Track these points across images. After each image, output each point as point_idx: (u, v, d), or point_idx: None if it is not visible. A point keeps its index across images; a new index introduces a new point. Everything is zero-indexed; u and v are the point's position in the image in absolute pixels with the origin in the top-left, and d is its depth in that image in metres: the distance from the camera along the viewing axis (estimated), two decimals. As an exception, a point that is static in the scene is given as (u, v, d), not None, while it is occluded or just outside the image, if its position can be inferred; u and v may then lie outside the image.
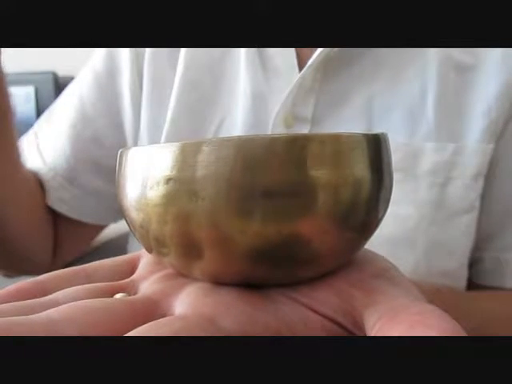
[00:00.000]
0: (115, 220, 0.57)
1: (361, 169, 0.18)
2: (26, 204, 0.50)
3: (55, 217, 0.54)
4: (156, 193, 0.17)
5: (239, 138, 0.17)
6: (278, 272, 0.18)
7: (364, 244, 0.20)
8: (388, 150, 0.20)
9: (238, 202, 0.17)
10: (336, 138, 0.18)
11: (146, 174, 0.18)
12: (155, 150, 0.18)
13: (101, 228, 0.58)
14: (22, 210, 0.49)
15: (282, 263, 0.18)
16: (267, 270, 0.18)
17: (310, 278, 0.19)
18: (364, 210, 0.18)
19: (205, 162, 0.17)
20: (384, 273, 0.20)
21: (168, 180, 0.17)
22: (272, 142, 0.17)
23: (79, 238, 0.57)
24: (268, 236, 0.17)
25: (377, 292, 0.18)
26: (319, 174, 0.17)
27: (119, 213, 0.56)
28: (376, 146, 0.19)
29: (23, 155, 0.49)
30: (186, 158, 0.17)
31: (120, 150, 0.20)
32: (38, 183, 0.52)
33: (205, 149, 0.17)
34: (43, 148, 0.53)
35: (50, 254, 0.54)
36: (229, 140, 0.17)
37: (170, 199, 0.17)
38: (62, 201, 0.52)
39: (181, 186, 0.17)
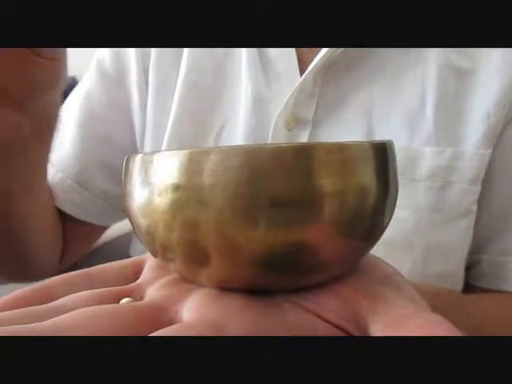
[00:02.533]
0: (121, 219, 0.57)
1: (367, 177, 0.18)
2: (45, 214, 0.49)
3: (63, 219, 0.53)
4: (164, 200, 0.18)
5: (247, 146, 0.17)
6: (284, 279, 0.19)
7: (369, 250, 0.21)
8: (394, 158, 0.20)
9: (246, 210, 0.17)
10: (343, 147, 0.18)
11: (154, 180, 0.18)
12: (164, 156, 0.18)
13: (106, 228, 0.58)
14: (42, 221, 0.48)
15: (288, 270, 0.18)
16: (273, 276, 0.18)
17: (315, 284, 0.19)
18: (370, 218, 0.19)
19: (213, 170, 0.17)
20: (389, 279, 0.20)
21: (177, 187, 0.17)
22: (280, 151, 0.17)
23: (86, 238, 0.57)
24: (275, 244, 0.17)
25: (382, 299, 0.18)
26: (326, 182, 0.17)
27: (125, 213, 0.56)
28: (382, 154, 0.19)
29: None
30: (195, 165, 0.17)
31: (126, 156, 0.20)
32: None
33: (214, 157, 0.17)
34: None
35: (58, 257, 0.53)
36: (237, 149, 0.17)
37: (178, 206, 0.17)
38: (72, 203, 0.52)
39: (189, 194, 0.17)
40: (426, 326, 0.16)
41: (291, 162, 0.17)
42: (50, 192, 0.50)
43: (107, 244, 0.61)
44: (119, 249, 0.59)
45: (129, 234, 0.58)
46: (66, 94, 0.57)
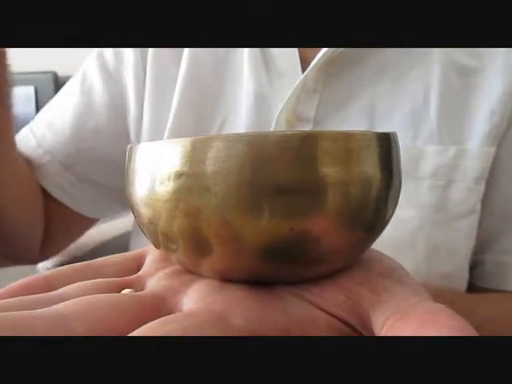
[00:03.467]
0: (114, 213, 0.57)
1: (371, 167, 0.18)
2: (18, 180, 0.49)
3: (48, 205, 0.53)
4: (167, 188, 0.17)
5: (252, 134, 0.17)
6: (287, 269, 0.18)
7: (372, 243, 0.20)
8: (398, 149, 0.20)
9: (250, 198, 0.17)
10: (348, 136, 0.18)
11: (157, 169, 0.18)
12: (166, 145, 0.18)
13: (94, 221, 0.58)
14: (15, 187, 0.48)
15: (291, 261, 0.18)
16: (276, 267, 0.18)
17: (318, 276, 0.19)
18: (373, 209, 0.18)
19: (217, 157, 0.16)
20: (391, 272, 0.20)
21: (180, 175, 0.17)
22: (285, 139, 0.17)
23: (71, 227, 0.57)
24: (278, 233, 0.17)
25: (384, 291, 0.18)
26: (330, 171, 0.17)
27: (121, 207, 0.56)
28: (386, 145, 0.19)
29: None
30: (199, 153, 0.17)
31: (129, 146, 0.20)
32: (25, 162, 0.52)
33: (218, 144, 0.17)
34: (39, 131, 0.53)
35: (40, 238, 0.53)
36: (242, 136, 0.17)
37: (181, 194, 0.17)
38: (57, 186, 0.53)
39: (193, 182, 0.17)
40: (429, 314, 0.15)
41: (296, 149, 0.17)
42: (21, 159, 0.51)
43: (105, 244, 0.61)
44: (118, 249, 0.59)
45: (127, 235, 0.58)
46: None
